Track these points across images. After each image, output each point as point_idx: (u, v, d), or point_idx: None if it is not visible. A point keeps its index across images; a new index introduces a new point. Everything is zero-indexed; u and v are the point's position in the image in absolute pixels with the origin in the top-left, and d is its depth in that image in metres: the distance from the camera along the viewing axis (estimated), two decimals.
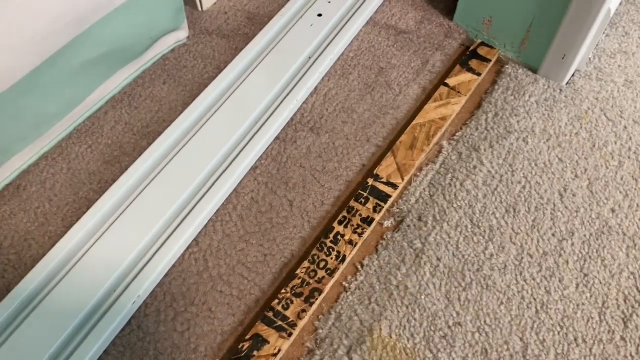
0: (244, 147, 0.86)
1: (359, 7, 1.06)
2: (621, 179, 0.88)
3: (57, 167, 0.85)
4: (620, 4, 1.15)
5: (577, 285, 0.78)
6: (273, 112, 0.91)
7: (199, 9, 1.06)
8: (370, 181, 0.87)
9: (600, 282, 0.78)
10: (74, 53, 0.80)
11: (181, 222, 0.78)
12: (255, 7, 1.08)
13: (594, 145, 0.92)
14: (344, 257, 0.79)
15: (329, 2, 1.05)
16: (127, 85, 0.94)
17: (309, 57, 0.99)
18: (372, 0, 1.07)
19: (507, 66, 1.02)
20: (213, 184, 0.82)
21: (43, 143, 0.85)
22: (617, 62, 1.04)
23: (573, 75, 1.01)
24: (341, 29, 1.03)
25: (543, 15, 0.94)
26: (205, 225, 0.80)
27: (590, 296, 0.77)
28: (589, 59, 1.04)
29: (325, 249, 0.80)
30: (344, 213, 0.83)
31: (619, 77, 1.02)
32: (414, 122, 0.94)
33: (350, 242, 0.81)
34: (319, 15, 1.04)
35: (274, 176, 0.86)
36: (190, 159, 0.84)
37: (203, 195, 0.81)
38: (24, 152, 0.83)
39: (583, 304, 0.76)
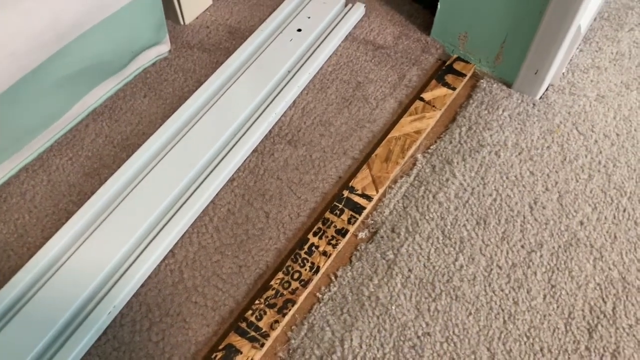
0: (222, 160, 0.88)
1: (338, 22, 1.08)
2: (590, 192, 0.90)
3: (38, 179, 0.87)
4: (595, 19, 1.18)
5: (545, 296, 0.80)
6: (252, 125, 0.92)
7: (181, 23, 1.08)
8: (345, 193, 0.89)
9: (567, 293, 0.80)
10: (54, 68, 0.82)
11: (158, 233, 0.80)
12: (237, 21, 1.10)
13: (565, 159, 0.94)
14: (318, 268, 0.81)
15: (309, 17, 1.08)
16: (108, 99, 0.96)
17: (289, 72, 1.01)
18: (351, 16, 1.09)
19: (482, 81, 1.04)
20: (190, 195, 0.84)
21: (24, 155, 0.87)
22: (590, 77, 1.06)
23: (547, 89, 1.04)
24: (320, 44, 1.05)
25: (516, 32, 0.96)
26: (182, 237, 0.82)
27: (557, 307, 0.79)
28: (563, 73, 1.06)
29: (299, 260, 0.81)
30: (319, 225, 0.85)
31: (592, 92, 1.04)
32: (389, 135, 0.96)
33: (324, 253, 0.82)
34: (299, 30, 1.06)
35: (251, 188, 0.88)
36: (168, 171, 0.86)
37: (180, 207, 0.83)
38: (4, 164, 0.84)
39: (550, 314, 0.78)
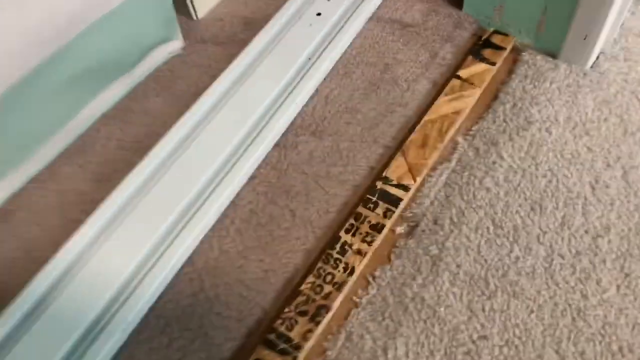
0: (241, 156, 0.80)
1: (361, 3, 1.00)
2: None
3: (47, 189, 0.81)
4: None
5: (618, 287, 0.69)
6: (271, 117, 0.85)
7: (194, 17, 1.02)
8: (379, 184, 0.80)
9: None
10: (55, 69, 0.76)
11: (174, 240, 0.73)
12: (252, 12, 1.03)
13: (626, 131, 0.83)
14: (353, 269, 0.72)
15: (329, 0, 1.00)
16: (118, 101, 0.90)
17: (309, 59, 0.93)
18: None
19: (524, 53, 0.94)
20: (208, 196, 0.76)
21: (31, 165, 0.81)
22: None
23: (597, 58, 0.93)
24: (342, 27, 0.97)
25: None
26: (201, 242, 0.75)
27: (635, 299, 0.68)
28: (614, 39, 0.95)
29: (332, 261, 0.73)
30: (352, 220, 0.76)
31: None
32: (424, 118, 0.87)
33: (359, 252, 0.74)
34: (318, 14, 0.98)
35: (274, 185, 0.80)
36: (184, 171, 0.79)
37: (198, 210, 0.75)
38: (10, 176, 0.78)
39: (626, 307, 0.67)
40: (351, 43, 0.97)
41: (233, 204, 0.78)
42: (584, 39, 0.88)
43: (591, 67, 0.91)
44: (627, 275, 0.69)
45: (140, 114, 0.89)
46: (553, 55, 0.93)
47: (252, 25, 1.00)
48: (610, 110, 0.85)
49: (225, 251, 0.74)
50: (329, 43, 0.94)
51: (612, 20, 0.87)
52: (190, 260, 0.73)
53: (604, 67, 0.91)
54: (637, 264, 0.70)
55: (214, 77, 0.92)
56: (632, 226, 0.73)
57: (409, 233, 0.76)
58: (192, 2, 0.99)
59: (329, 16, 0.97)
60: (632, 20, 0.98)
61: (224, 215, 0.77)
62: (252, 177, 0.80)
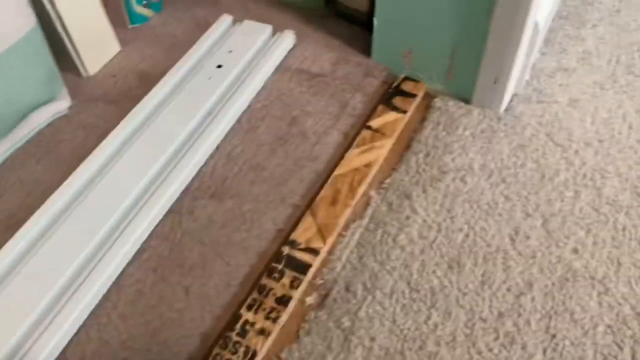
0: (126, 228, 0.71)
1: (265, 54, 0.94)
2: (580, 211, 0.75)
3: None
4: (553, 20, 1.06)
5: (545, 350, 0.63)
6: (163, 180, 0.76)
7: (84, 74, 0.93)
8: (286, 250, 0.72)
9: (572, 343, 0.63)
10: None
11: (42, 332, 0.62)
12: (149, 66, 0.95)
13: (543, 176, 0.79)
14: (255, 353, 0.63)
15: (230, 52, 0.94)
16: None
17: (208, 114, 0.86)
18: (278, 46, 0.95)
19: (436, 100, 0.90)
20: (87, 277, 0.66)
21: None
22: (558, 81, 0.93)
23: (511, 100, 0.90)
24: (244, 80, 0.90)
25: (465, 38, 0.83)
26: (77, 333, 0.64)
27: None
28: (526, 80, 0.93)
29: (231, 346, 0.64)
30: (255, 294, 0.68)
31: (562, 97, 0.91)
32: (335, 173, 0.81)
33: (262, 331, 0.65)
34: (219, 66, 0.92)
35: (165, 259, 0.71)
36: (59, 248, 0.69)
37: (73, 294, 0.65)
38: None
39: None
40: (256, 96, 0.91)
41: (116, 284, 0.68)
42: (494, 82, 0.85)
43: (505, 110, 0.88)
44: (553, 336, 0.64)
45: (15, 185, 0.78)
46: (466, 100, 0.90)
47: (148, 80, 0.92)
48: (526, 154, 0.82)
49: (106, 341, 0.64)
50: (230, 97, 0.87)
51: (521, 62, 0.85)
52: (62, 357, 0.62)
53: (518, 109, 0.88)
54: (562, 323, 0.64)
55: (102, 137, 0.84)
56: (555, 280, 0.68)
57: (320, 303, 0.68)
58: (80, 58, 0.91)
59: (230, 68, 0.91)
60: (543, 61, 0.97)
61: (105, 298, 0.67)
62: (139, 251, 0.71)
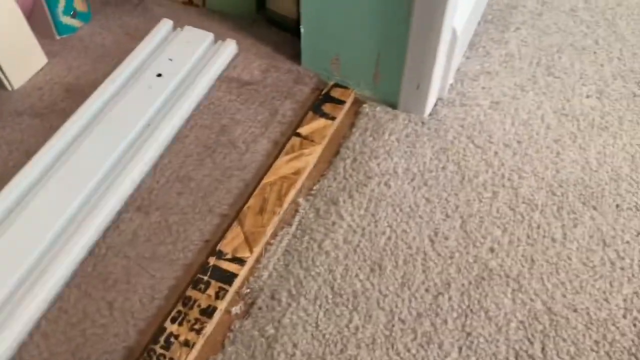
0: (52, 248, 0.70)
1: (207, 63, 0.94)
2: (497, 211, 0.78)
3: None
4: (479, 24, 1.09)
5: (460, 348, 0.65)
6: (91, 200, 0.76)
7: (8, 88, 0.92)
8: (212, 260, 0.73)
9: (487, 340, 0.66)
10: None
11: None
12: (75, 77, 0.94)
13: (463, 178, 0.82)
14: None
15: (171, 60, 0.93)
16: None
17: (147, 126, 0.85)
18: (220, 55, 0.95)
19: (364, 105, 0.92)
20: (6, 300, 0.66)
21: None
22: (481, 84, 0.96)
23: (435, 104, 0.93)
24: (184, 91, 0.90)
25: (388, 45, 0.85)
26: None
27: (477, 359, 0.64)
28: (451, 84, 0.96)
29: (155, 358, 0.64)
30: (179, 307, 0.68)
31: (484, 100, 0.94)
32: (262, 181, 0.82)
33: (186, 343, 0.66)
34: (159, 75, 0.91)
35: (89, 275, 0.70)
36: None
37: None
38: None
39: None
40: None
41: None
42: (417, 88, 0.87)
43: (429, 114, 0.91)
44: (468, 334, 0.66)
45: None
46: (393, 105, 0.92)
47: (75, 93, 0.91)
48: (448, 157, 0.85)
49: None
50: (170, 109, 0.87)
51: (442, 68, 0.87)
52: None
53: (442, 113, 0.91)
54: (477, 321, 0.67)
55: (26, 152, 0.83)
56: (471, 279, 0.71)
57: (246, 312, 0.69)
58: (3, 72, 0.89)
59: (170, 77, 0.91)
60: (468, 65, 1.00)
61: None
62: None
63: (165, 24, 1.00)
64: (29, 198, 0.76)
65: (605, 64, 1.00)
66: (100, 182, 0.79)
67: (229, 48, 0.98)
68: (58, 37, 1.01)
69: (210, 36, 0.98)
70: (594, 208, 0.78)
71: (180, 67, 0.93)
